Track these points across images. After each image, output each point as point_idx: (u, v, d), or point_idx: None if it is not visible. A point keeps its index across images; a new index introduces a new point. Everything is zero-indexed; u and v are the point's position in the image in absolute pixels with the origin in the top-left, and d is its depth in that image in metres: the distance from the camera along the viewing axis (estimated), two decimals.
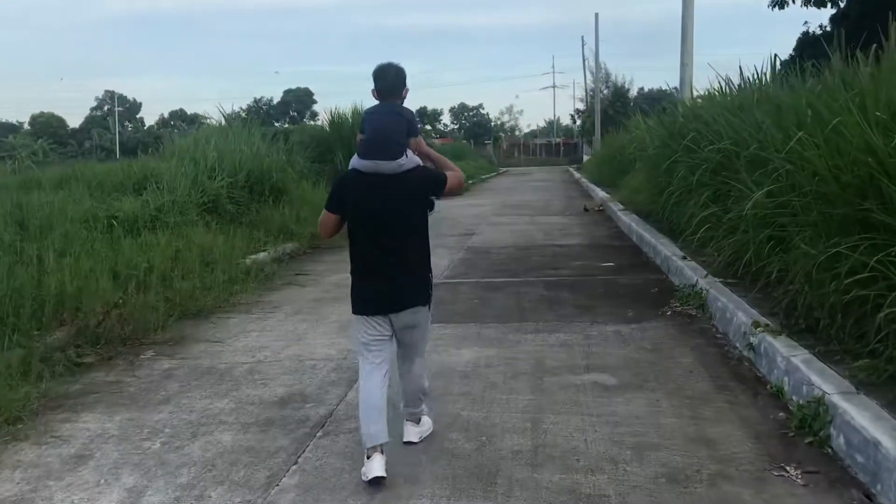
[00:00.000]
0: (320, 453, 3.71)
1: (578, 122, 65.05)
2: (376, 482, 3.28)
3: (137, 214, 8.97)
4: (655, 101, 60.51)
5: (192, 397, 4.61)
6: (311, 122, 26.80)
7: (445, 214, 16.39)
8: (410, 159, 3.45)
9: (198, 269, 7.72)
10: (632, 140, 16.71)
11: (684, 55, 15.95)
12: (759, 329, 4.94)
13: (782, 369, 4.39)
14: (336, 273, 8.90)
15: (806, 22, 27.96)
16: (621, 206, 14.16)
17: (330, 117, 24.34)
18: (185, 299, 6.93)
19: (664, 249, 8.58)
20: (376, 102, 4.42)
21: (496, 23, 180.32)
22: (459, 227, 13.88)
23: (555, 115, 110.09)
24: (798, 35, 27.94)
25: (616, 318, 6.22)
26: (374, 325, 3.51)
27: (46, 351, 5.17)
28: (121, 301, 6.04)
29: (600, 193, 19.27)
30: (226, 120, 15.52)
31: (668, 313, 6.35)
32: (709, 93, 10.48)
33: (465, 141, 72.29)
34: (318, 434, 3.95)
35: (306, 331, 6.24)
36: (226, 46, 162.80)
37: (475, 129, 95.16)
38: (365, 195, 3.40)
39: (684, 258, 7.81)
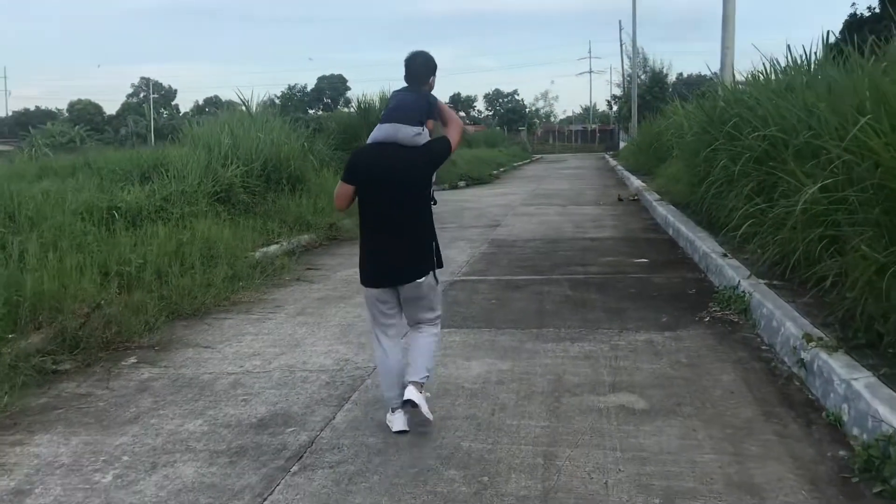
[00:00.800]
0: (290, 495, 3.16)
1: (615, 107, 63.64)
2: (401, 434, 3.70)
3: (142, 205, 8.52)
4: (694, 86, 58.82)
5: (164, 416, 4.10)
6: (344, 109, 26.14)
7: (472, 204, 15.80)
8: (425, 135, 3.63)
9: (199, 264, 7.24)
10: (669, 126, 15.85)
11: (725, 38, 15.09)
12: (811, 343, 4.28)
13: (840, 394, 3.74)
14: (348, 268, 8.38)
15: (854, 3, 26.65)
16: (657, 197, 13.42)
17: (357, 103, 24.01)
18: (181, 298, 6.46)
19: (702, 245, 7.89)
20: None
21: (533, 7, 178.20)
22: (485, 218, 13.26)
23: (591, 101, 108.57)
24: (845, 17, 26.71)
25: (648, 325, 5.59)
26: (384, 297, 3.71)
27: (17, 358, 4.71)
28: (104, 301, 5.56)
29: (636, 182, 18.48)
30: (245, 106, 15.03)
31: (707, 319, 5.70)
32: (752, 76, 9.71)
33: (498, 128, 71.35)
34: (293, 469, 3.41)
35: (305, 336, 5.71)
36: (262, 33, 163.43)
37: (509, 115, 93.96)
38: (378, 165, 3.59)
39: (725, 255, 7.13)
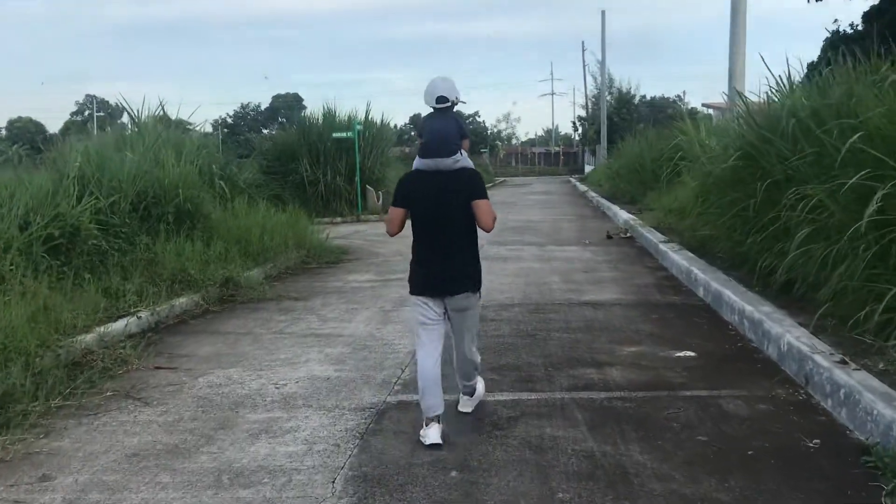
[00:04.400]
0: None
1: (580, 129, 61.42)
2: (434, 447, 3.73)
3: None
4: (659, 108, 57.32)
5: None
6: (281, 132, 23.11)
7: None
8: (464, 158, 3.97)
9: None
10: (673, 147, 13.02)
11: (735, 43, 12.47)
12: None
13: None
14: (225, 364, 5.25)
15: (836, 20, 24.65)
16: (663, 238, 10.51)
17: (297, 122, 20.86)
18: None
19: (787, 335, 4.94)
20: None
21: (493, 29, 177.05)
22: None
23: (553, 123, 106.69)
24: (828, 35, 24.61)
25: None
26: (431, 306, 3.97)
27: None
28: None
29: (621, 214, 15.63)
30: (133, 120, 11.83)
31: None
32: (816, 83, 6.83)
33: None
34: None
35: None
36: (216, 53, 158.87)
37: (471, 136, 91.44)
38: (425, 190, 3.91)
39: (844, 362, 4.20)
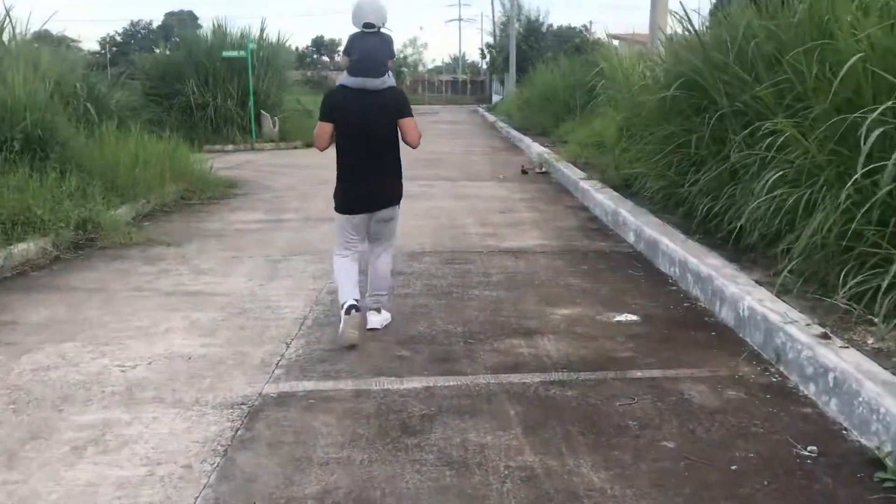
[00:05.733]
0: None
1: (488, 57, 60.05)
2: (349, 311, 4.06)
3: None
4: (566, 38, 56.66)
5: None
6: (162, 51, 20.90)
7: (326, 174, 11.55)
8: (389, 78, 4.10)
9: None
10: (590, 76, 12.16)
11: None
12: None
13: None
14: (57, 337, 4.07)
15: None
16: (582, 174, 9.71)
17: (177, 42, 18.84)
18: None
19: (747, 297, 4.18)
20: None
21: None
22: None
23: (461, 51, 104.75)
24: None
25: None
26: (355, 223, 4.21)
27: None
28: None
29: (534, 146, 14.80)
30: None
31: None
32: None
33: None
34: None
35: None
36: None
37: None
38: (351, 107, 4.05)
39: (825, 337, 3.47)
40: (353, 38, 4.12)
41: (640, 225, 6.44)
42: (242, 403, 3.34)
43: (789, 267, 4.18)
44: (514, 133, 19.72)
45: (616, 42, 42.21)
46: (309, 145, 17.57)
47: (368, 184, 4.13)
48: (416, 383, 3.55)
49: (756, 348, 3.96)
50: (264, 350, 4.00)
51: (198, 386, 3.54)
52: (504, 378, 3.60)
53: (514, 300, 4.90)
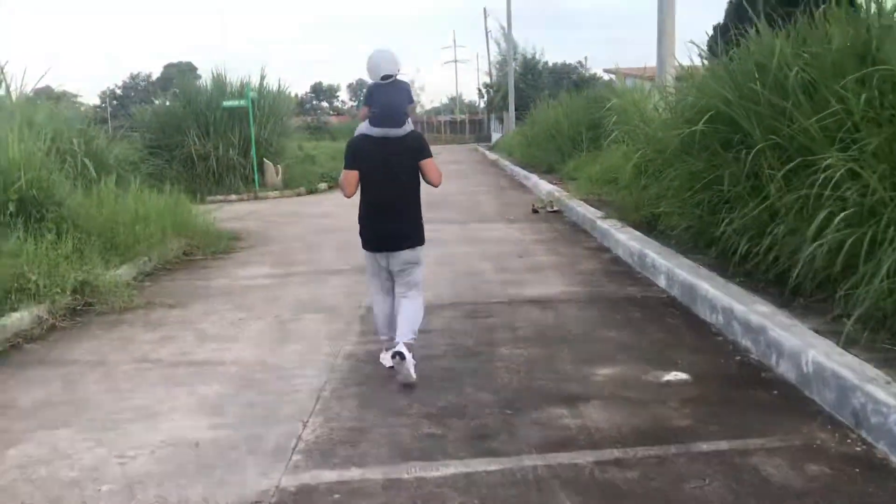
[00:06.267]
0: None
1: (486, 96, 60.26)
2: (395, 356, 4.06)
3: None
4: (562, 75, 56.81)
5: None
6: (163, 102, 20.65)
7: (333, 222, 11.22)
8: (409, 124, 4.28)
9: None
10: (598, 112, 11.87)
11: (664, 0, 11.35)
12: None
13: None
14: (50, 423, 3.64)
15: None
16: (599, 213, 9.35)
17: (179, 93, 18.67)
18: None
19: (811, 350, 3.77)
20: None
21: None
22: (354, 248, 8.71)
23: (457, 91, 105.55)
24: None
25: None
26: (380, 259, 4.36)
27: None
28: None
29: (543, 185, 14.49)
30: None
31: None
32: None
33: None
34: None
35: None
36: (102, 20, 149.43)
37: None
38: (375, 154, 4.23)
39: None
40: (373, 90, 4.35)
41: (671, 267, 6.05)
42: (258, 502, 2.92)
43: (857, 314, 3.78)
44: (519, 171, 19.45)
45: (612, 77, 42.22)
46: (312, 192, 17.33)
47: (391, 225, 4.30)
48: (452, 468, 3.13)
49: (828, 410, 3.54)
50: (279, 431, 3.59)
51: (206, 480, 3.12)
52: (552, 458, 3.18)
53: (549, 359, 4.50)
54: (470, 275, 7.06)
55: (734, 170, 5.63)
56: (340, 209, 13.42)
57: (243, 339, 5.23)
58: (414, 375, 4.09)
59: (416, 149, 4.29)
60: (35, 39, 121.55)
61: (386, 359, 4.36)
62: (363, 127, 4.28)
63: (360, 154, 4.27)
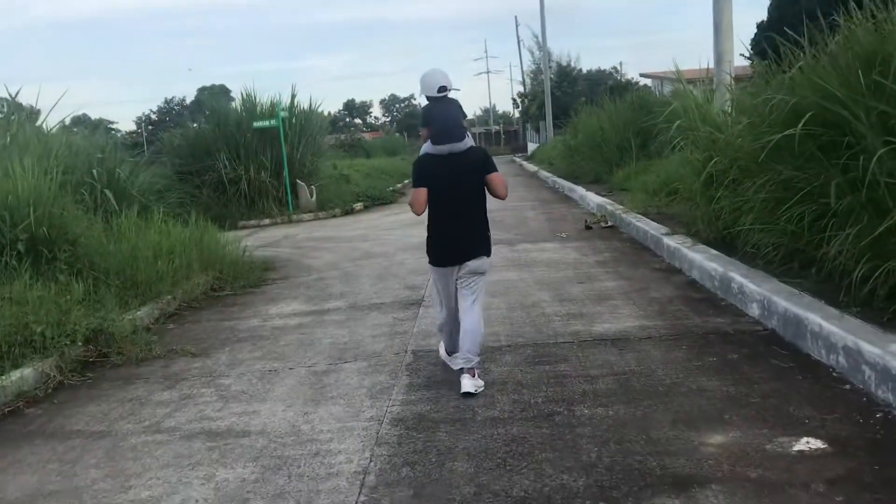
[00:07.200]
0: None
1: (521, 106, 59.43)
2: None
3: None
4: (597, 82, 55.93)
5: None
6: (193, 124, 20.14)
7: (369, 246, 10.50)
8: (469, 138, 4.38)
9: None
10: (656, 118, 10.98)
11: None
12: None
13: None
14: None
15: None
16: (664, 230, 8.47)
17: (211, 113, 18.20)
18: None
19: None
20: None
21: (424, 12, 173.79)
22: (394, 280, 7.96)
23: (490, 103, 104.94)
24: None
25: None
26: (448, 273, 4.45)
27: None
28: None
29: (591, 197, 13.62)
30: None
31: None
32: None
33: (398, 134, 66.17)
34: None
35: None
36: (139, 49, 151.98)
37: (408, 120, 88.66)
38: (441, 171, 4.32)
39: None
40: (428, 109, 4.48)
41: (766, 294, 5.17)
42: None
43: None
44: (563, 182, 18.60)
45: (649, 81, 41.13)
46: (347, 212, 16.69)
47: (460, 238, 4.40)
48: None
49: None
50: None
51: None
52: None
53: (641, 422, 3.66)
54: (527, 307, 6.24)
55: (843, 179, 4.74)
56: (378, 231, 12.75)
57: (272, 398, 4.48)
58: (482, 384, 4.30)
59: (480, 163, 4.38)
60: (71, 67, 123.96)
61: (464, 384, 4.26)
62: (427, 146, 4.39)
63: (427, 172, 4.37)
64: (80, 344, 5.56)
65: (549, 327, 5.55)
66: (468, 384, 4.20)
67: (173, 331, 6.51)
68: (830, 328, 4.27)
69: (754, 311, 5.37)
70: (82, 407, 4.66)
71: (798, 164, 5.37)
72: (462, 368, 4.29)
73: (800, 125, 4.88)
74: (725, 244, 7.01)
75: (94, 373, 5.37)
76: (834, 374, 4.11)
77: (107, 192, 8.98)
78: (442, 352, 4.82)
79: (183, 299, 7.47)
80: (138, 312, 6.58)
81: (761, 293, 5.26)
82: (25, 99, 12.84)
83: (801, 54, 5.85)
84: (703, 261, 6.57)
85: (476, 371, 4.31)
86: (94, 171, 9.17)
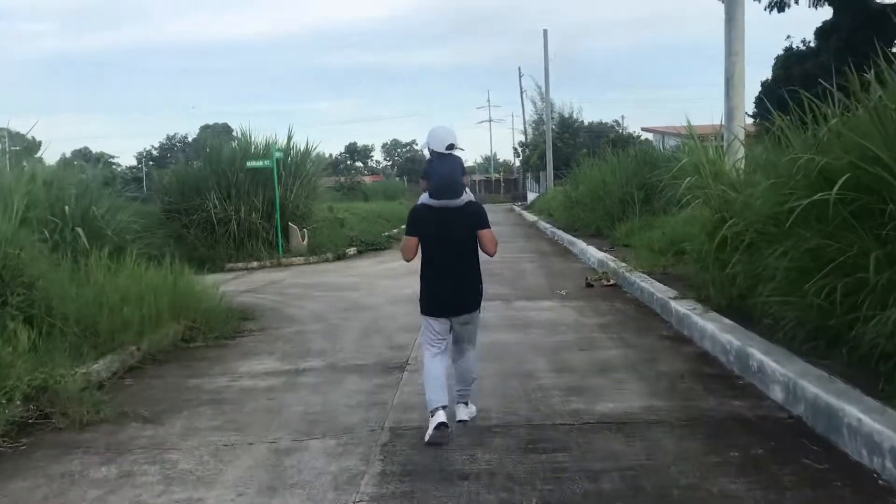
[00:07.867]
0: None
1: (521, 155, 59.40)
2: (440, 427, 4.19)
3: None
4: (597, 135, 55.87)
5: None
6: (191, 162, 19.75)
7: (358, 296, 9.91)
8: (467, 194, 4.45)
9: None
10: (662, 173, 10.50)
11: (732, 41, 10.08)
12: None
13: None
14: None
15: (788, 36, 23.24)
16: (672, 293, 7.90)
17: (204, 152, 17.79)
18: None
19: None
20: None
21: (428, 59, 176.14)
22: (379, 336, 7.35)
23: (492, 151, 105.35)
24: (781, 51, 23.01)
25: None
26: (439, 323, 4.48)
27: None
28: None
29: (592, 252, 13.09)
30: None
31: None
32: None
33: (398, 178, 66.07)
34: None
35: None
36: (141, 84, 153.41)
37: (408, 164, 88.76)
38: (435, 222, 4.42)
39: None
40: (430, 165, 4.50)
41: (792, 377, 4.57)
42: None
43: None
44: (562, 234, 18.11)
45: (650, 136, 40.89)
46: (339, 257, 16.13)
47: (449, 290, 4.46)
48: None
49: None
50: None
51: None
52: None
53: None
54: (521, 377, 5.63)
55: (880, 252, 4.19)
56: (369, 279, 12.17)
57: (221, 483, 3.85)
58: (474, 411, 4.61)
59: (474, 219, 4.46)
60: (74, 102, 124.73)
61: (434, 419, 4.28)
62: (424, 197, 4.46)
63: (421, 222, 4.47)
64: (18, 403, 4.94)
65: (546, 404, 4.94)
66: (462, 413, 4.52)
67: (130, 388, 5.89)
68: (872, 424, 3.68)
69: (777, 394, 4.77)
70: (4, 483, 4.02)
71: (828, 232, 4.83)
72: (457, 401, 4.54)
73: (835, 189, 4.34)
74: (740, 313, 6.43)
75: (32, 437, 4.75)
76: (880, 481, 3.50)
77: (78, 230, 8.41)
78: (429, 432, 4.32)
79: (148, 350, 6.84)
80: (94, 366, 5.97)
81: (785, 374, 4.67)
82: (28, 132, 12.36)
83: (829, 112, 5.36)
84: (717, 331, 5.99)
85: (469, 399, 4.60)
86: (67, 208, 8.61)
